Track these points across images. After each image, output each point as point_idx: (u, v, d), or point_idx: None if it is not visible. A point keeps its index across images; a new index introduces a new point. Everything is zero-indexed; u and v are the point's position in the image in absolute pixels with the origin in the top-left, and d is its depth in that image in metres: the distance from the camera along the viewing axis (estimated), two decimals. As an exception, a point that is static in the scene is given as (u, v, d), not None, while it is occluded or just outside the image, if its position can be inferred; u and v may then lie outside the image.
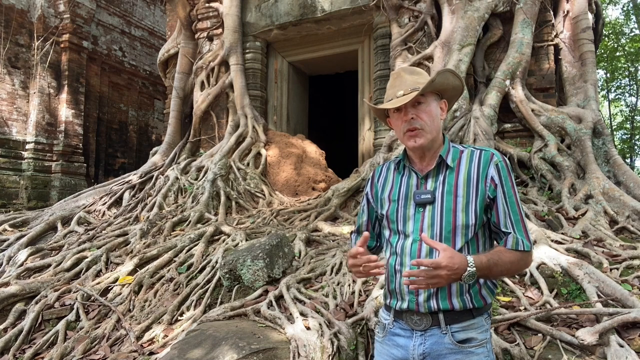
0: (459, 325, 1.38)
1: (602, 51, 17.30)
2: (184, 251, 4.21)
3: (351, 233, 1.69)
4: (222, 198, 5.54)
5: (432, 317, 1.39)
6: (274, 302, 2.96)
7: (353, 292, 2.99)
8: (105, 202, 6.24)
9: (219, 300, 3.35)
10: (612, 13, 29.12)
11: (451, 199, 1.39)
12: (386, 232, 1.52)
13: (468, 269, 1.27)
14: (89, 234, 5.12)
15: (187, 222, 5.02)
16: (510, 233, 1.37)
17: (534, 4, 5.42)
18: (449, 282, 1.28)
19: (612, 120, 20.03)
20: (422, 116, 1.42)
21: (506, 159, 1.44)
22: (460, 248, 1.38)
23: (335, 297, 2.99)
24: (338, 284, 3.18)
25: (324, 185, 6.32)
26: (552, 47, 5.58)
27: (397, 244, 1.45)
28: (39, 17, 9.32)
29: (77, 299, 3.66)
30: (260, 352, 2.32)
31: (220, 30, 7.12)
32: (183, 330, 2.99)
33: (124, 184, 6.65)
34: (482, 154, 1.43)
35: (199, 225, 4.92)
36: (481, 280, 1.40)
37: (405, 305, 1.42)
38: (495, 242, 1.48)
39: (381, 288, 2.88)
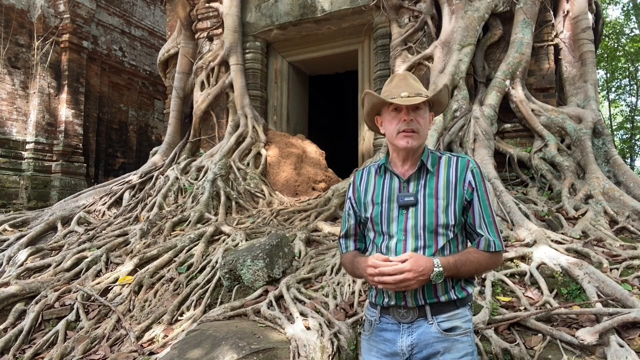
0: (445, 315, 1.45)
1: (602, 51, 17.29)
2: (184, 251, 4.21)
3: (339, 238, 1.72)
4: (222, 198, 5.54)
5: (419, 310, 1.46)
6: (274, 302, 2.96)
7: (353, 292, 2.99)
8: (105, 202, 6.24)
9: (219, 300, 3.35)
10: (612, 13, 29.13)
11: (432, 202, 1.48)
12: (371, 234, 1.58)
13: (434, 269, 1.37)
14: (89, 234, 5.12)
15: (187, 222, 5.02)
16: (483, 235, 1.48)
17: (534, 4, 5.42)
18: (420, 283, 1.37)
19: (612, 120, 20.03)
20: (419, 120, 1.50)
21: (480, 166, 1.56)
22: (443, 246, 1.47)
23: (335, 297, 2.99)
24: (338, 284, 3.18)
25: (324, 185, 6.32)
26: (552, 47, 5.58)
27: (382, 244, 1.51)
28: (39, 17, 9.32)
29: (77, 299, 3.66)
30: (260, 352, 2.32)
31: (220, 30, 7.12)
32: (183, 330, 2.99)
33: (124, 184, 6.65)
34: (459, 160, 1.53)
35: (199, 225, 4.92)
36: None
37: (392, 302, 1.48)
38: (469, 243, 1.57)
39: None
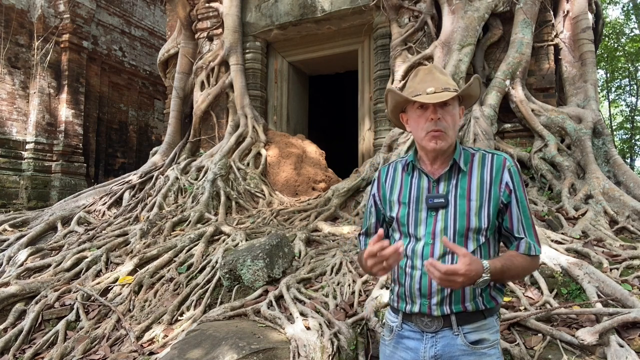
0: (471, 326, 1.36)
1: (602, 51, 17.29)
2: (184, 251, 4.21)
3: (359, 235, 1.64)
4: (222, 198, 5.54)
5: (443, 319, 1.36)
6: (274, 302, 2.96)
7: (353, 292, 2.99)
8: (105, 202, 6.24)
9: (219, 300, 3.35)
10: (612, 13, 29.12)
11: (464, 203, 1.37)
12: (396, 235, 1.48)
13: (483, 275, 1.25)
14: (89, 234, 5.12)
15: (187, 222, 5.02)
16: (522, 238, 1.37)
17: (534, 4, 5.42)
18: (462, 286, 1.26)
19: (612, 120, 20.03)
20: (447, 118, 1.38)
21: (517, 163, 1.41)
22: (473, 251, 1.36)
23: (335, 297, 2.99)
24: (338, 284, 3.18)
25: (324, 185, 6.32)
26: (552, 47, 5.58)
27: (408, 246, 1.42)
28: (39, 17, 9.32)
29: (77, 299, 3.66)
30: (260, 352, 2.32)
31: (220, 30, 7.12)
32: (183, 330, 2.99)
33: (124, 184, 6.65)
34: (495, 158, 1.41)
35: (199, 225, 4.92)
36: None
37: (416, 309, 1.39)
38: (502, 246, 1.46)
39: (381, 288, 2.88)
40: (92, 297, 3.71)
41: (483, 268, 1.25)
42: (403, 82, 5.66)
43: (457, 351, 1.34)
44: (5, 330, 3.48)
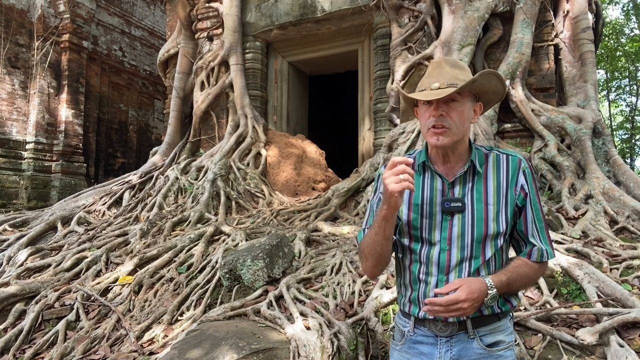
0: (487, 328, 1.33)
1: (602, 51, 17.28)
2: (184, 251, 4.21)
3: (363, 230, 1.51)
4: (222, 198, 5.54)
5: (459, 324, 1.33)
6: (274, 302, 2.96)
7: (353, 292, 2.99)
8: (105, 202, 6.24)
9: (219, 300, 3.35)
10: (612, 13, 29.13)
11: (482, 208, 1.33)
12: (405, 240, 1.40)
13: (489, 292, 1.25)
14: (89, 234, 5.12)
15: (187, 222, 5.02)
16: (535, 245, 1.35)
17: (534, 4, 5.42)
18: (475, 309, 1.26)
19: (612, 120, 20.02)
20: (452, 115, 1.31)
21: (530, 164, 1.38)
22: (490, 257, 1.33)
23: (335, 297, 2.99)
24: (338, 284, 3.18)
25: (324, 185, 6.32)
26: (552, 47, 5.58)
27: (422, 252, 1.37)
28: (39, 17, 9.33)
29: (77, 299, 3.66)
30: (260, 352, 2.32)
31: (220, 30, 7.13)
32: (183, 330, 2.99)
33: (124, 184, 6.65)
34: (510, 159, 1.37)
35: (199, 225, 4.92)
36: None
37: (431, 316, 1.35)
38: (512, 250, 1.44)
39: (381, 288, 2.88)
40: (92, 297, 3.71)
41: (487, 286, 1.26)
42: (403, 81, 5.67)
43: (474, 355, 1.31)
44: (5, 330, 3.48)
